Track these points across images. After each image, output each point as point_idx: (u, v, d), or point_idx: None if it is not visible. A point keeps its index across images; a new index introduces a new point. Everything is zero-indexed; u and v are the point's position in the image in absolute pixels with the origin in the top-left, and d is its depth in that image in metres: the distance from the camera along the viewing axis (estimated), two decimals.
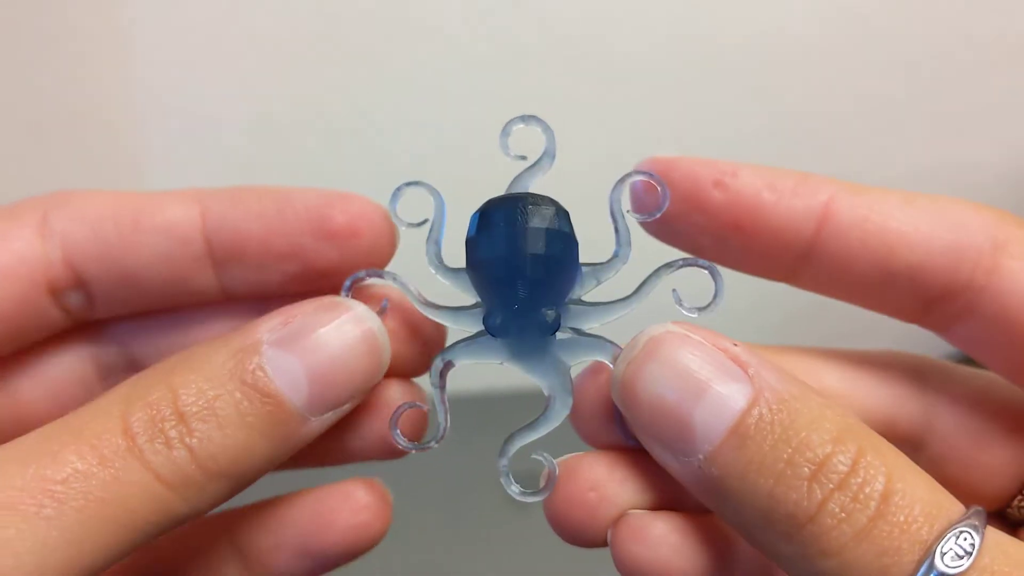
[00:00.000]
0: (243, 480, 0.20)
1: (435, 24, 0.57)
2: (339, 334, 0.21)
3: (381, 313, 0.22)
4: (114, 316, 0.25)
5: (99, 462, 0.18)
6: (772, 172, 0.22)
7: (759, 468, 0.18)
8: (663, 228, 0.23)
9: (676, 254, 0.23)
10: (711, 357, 0.19)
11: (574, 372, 0.22)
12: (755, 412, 0.18)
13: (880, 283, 0.22)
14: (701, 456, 0.19)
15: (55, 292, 0.23)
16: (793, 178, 0.22)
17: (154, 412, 0.19)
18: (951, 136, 0.65)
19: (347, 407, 0.21)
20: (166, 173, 0.58)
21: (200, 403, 0.19)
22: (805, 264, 0.22)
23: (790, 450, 0.18)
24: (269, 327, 0.20)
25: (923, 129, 0.65)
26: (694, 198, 0.22)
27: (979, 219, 0.21)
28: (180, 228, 0.23)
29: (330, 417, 0.21)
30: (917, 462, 0.23)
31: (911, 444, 0.24)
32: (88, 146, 0.57)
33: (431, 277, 0.23)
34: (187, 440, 0.19)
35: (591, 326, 0.22)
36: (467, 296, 0.23)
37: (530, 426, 0.22)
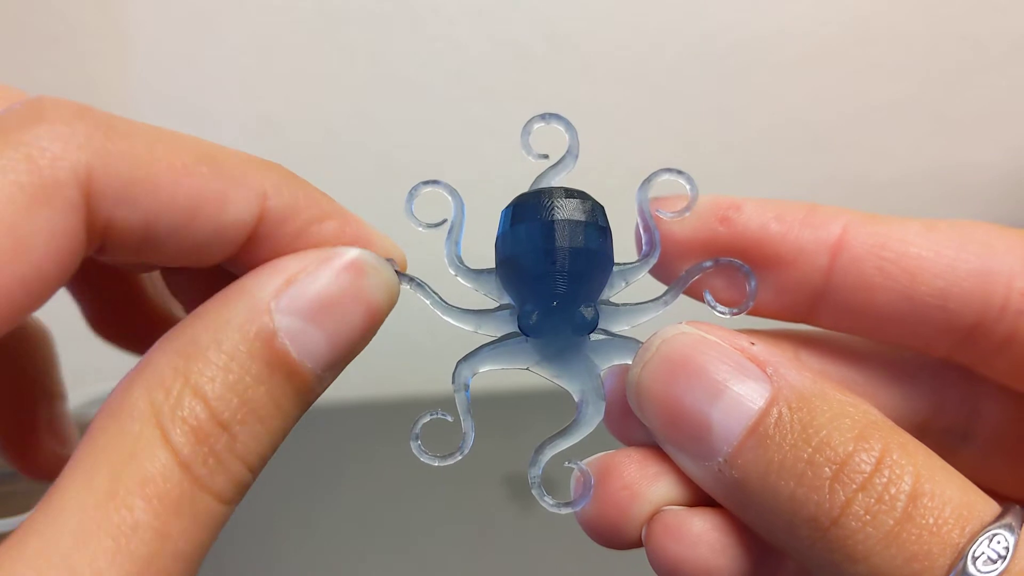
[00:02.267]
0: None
1: (439, 24, 0.57)
2: (351, 287, 0.19)
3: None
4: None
5: (175, 512, 0.16)
6: (779, 204, 0.22)
7: (779, 469, 0.18)
8: (669, 270, 0.22)
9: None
10: (727, 356, 0.19)
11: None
12: (774, 411, 0.18)
13: (907, 314, 0.21)
14: (721, 459, 0.18)
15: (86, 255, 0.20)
16: (802, 209, 0.21)
17: (194, 426, 0.17)
18: (952, 136, 0.65)
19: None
20: None
21: (235, 403, 0.18)
22: (823, 300, 0.21)
23: (810, 449, 0.17)
24: (273, 290, 0.18)
25: (924, 129, 0.65)
26: (699, 236, 0.22)
27: (1005, 240, 0.21)
28: (235, 230, 0.19)
29: (338, 373, 0.20)
30: (964, 452, 0.22)
31: (957, 434, 0.23)
32: None
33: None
34: (237, 450, 0.18)
35: (621, 328, 0.22)
36: (489, 299, 0.22)
37: (562, 433, 0.21)
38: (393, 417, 0.59)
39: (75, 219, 0.17)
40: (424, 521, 0.57)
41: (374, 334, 0.20)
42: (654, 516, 0.20)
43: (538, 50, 0.58)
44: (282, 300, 0.18)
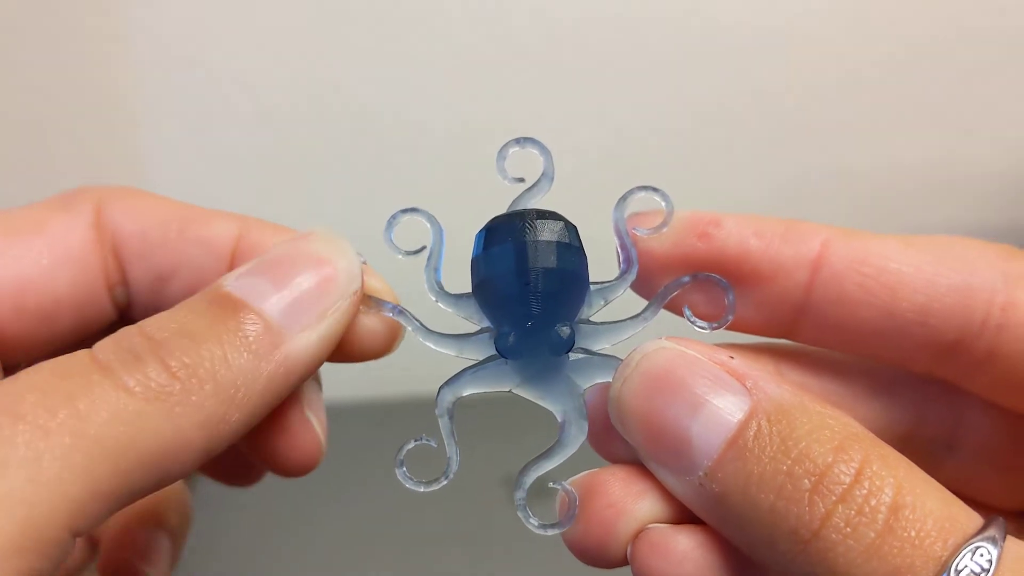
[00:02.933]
0: (233, 398, 0.18)
1: (439, 23, 0.57)
2: (296, 245, 0.21)
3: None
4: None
5: (59, 377, 0.17)
6: (758, 220, 0.22)
7: (759, 482, 0.17)
8: (650, 286, 0.22)
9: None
10: (706, 370, 0.19)
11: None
12: (753, 424, 0.18)
13: (887, 329, 0.21)
14: (701, 472, 0.18)
15: (110, 286, 0.24)
16: (781, 225, 0.21)
17: (120, 340, 0.18)
18: (952, 136, 0.65)
19: (329, 325, 0.20)
20: (166, 172, 0.58)
21: (169, 327, 0.18)
22: (803, 316, 0.21)
23: (789, 462, 0.17)
24: (230, 273, 0.21)
25: (923, 128, 0.64)
26: (678, 252, 0.22)
27: (985, 255, 0.20)
28: (219, 243, 0.24)
29: (314, 340, 0.20)
30: (950, 462, 0.21)
31: (942, 444, 0.23)
32: (88, 145, 0.57)
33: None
34: (159, 354, 0.18)
35: (602, 347, 0.22)
36: (471, 323, 0.22)
37: (545, 455, 0.21)
38: (392, 417, 0.59)
39: (87, 218, 0.24)
40: (422, 521, 0.57)
41: (346, 290, 0.21)
42: (639, 534, 0.20)
43: (538, 49, 0.58)
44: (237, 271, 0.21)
